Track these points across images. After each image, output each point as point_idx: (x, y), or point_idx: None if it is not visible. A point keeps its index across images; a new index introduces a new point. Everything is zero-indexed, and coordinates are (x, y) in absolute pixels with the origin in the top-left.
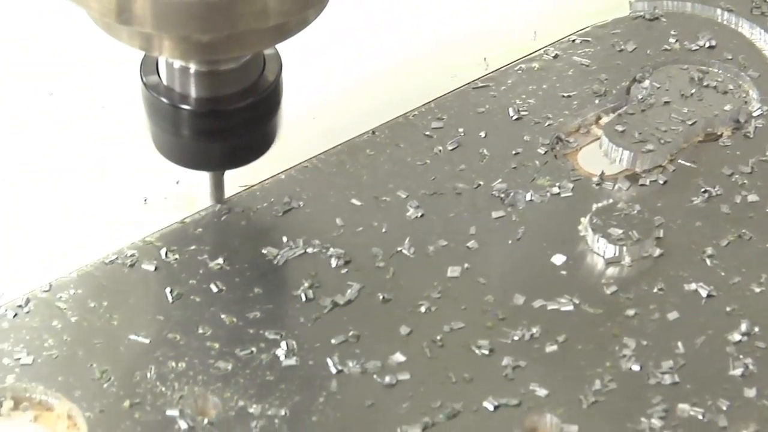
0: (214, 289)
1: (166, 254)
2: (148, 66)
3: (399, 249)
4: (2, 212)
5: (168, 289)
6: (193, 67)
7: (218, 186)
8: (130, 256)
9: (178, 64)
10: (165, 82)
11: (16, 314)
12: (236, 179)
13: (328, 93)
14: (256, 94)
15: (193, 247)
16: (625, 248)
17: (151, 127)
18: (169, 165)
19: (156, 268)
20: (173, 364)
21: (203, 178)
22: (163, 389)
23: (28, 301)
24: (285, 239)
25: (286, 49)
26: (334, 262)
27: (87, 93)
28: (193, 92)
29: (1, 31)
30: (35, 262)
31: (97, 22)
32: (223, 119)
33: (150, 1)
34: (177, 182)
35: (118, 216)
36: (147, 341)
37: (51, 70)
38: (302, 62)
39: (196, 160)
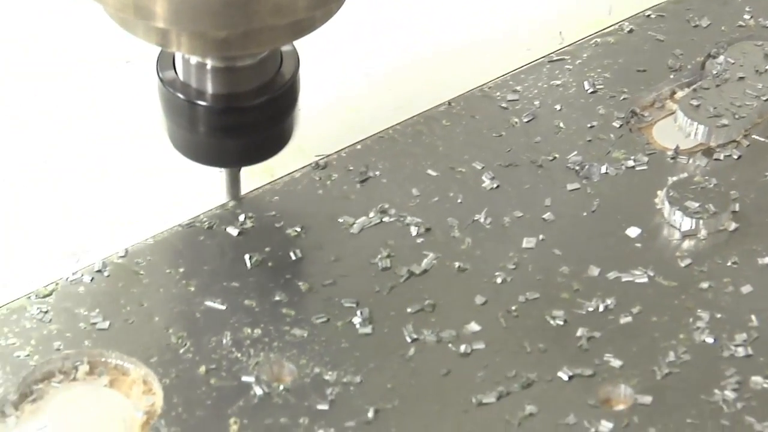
0: (293, 256)
1: (244, 221)
2: (165, 62)
3: (475, 219)
4: (2, 212)
5: (247, 256)
6: (209, 63)
7: (234, 182)
8: (207, 221)
9: (194, 59)
10: (181, 78)
11: (93, 279)
12: (313, 150)
13: (402, 63)
14: (273, 90)
15: (272, 213)
16: (701, 221)
17: (167, 123)
18: (170, 165)
19: (237, 233)
20: (249, 330)
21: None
22: (239, 355)
23: (105, 266)
24: (362, 208)
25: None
26: (410, 232)
27: (87, 93)
28: (209, 88)
29: (1, 31)
30: (35, 262)
31: (113, 17)
32: (240, 116)
33: None
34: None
35: (118, 216)
36: (223, 307)
37: (51, 70)
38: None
39: (212, 157)
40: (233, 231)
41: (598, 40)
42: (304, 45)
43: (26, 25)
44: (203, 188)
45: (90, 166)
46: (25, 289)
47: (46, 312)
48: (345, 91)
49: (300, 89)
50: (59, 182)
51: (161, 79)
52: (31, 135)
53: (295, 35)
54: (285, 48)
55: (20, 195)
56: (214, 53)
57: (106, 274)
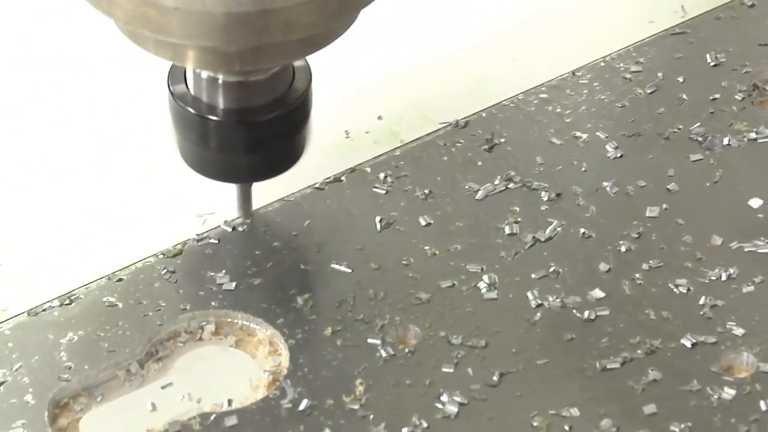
0: (422, 222)
1: (373, 186)
2: (176, 75)
3: (599, 188)
4: (2, 212)
5: (378, 218)
6: (221, 78)
7: (246, 198)
8: (335, 182)
9: (206, 74)
10: (192, 92)
11: (219, 240)
12: (438, 117)
13: (526, 33)
14: (285, 105)
15: (403, 174)
16: None
17: (177, 137)
18: (170, 165)
19: (366, 197)
20: (374, 293)
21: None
22: (364, 318)
23: (234, 228)
24: (487, 175)
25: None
26: (535, 199)
27: (87, 93)
28: (221, 103)
29: (1, 31)
30: (35, 262)
31: (122, 31)
32: (252, 131)
33: (174, 11)
34: (379, 117)
35: (118, 216)
36: (349, 270)
37: (51, 70)
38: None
39: (223, 173)
40: (356, 196)
41: (720, 14)
42: (416, 11)
43: (26, 25)
44: (203, 188)
45: (90, 166)
46: (24, 289)
47: (173, 272)
48: (470, 59)
49: (312, 104)
50: (59, 182)
51: (172, 93)
52: (31, 135)
53: (307, 50)
54: (297, 63)
55: (20, 195)
56: (225, 68)
57: (234, 234)
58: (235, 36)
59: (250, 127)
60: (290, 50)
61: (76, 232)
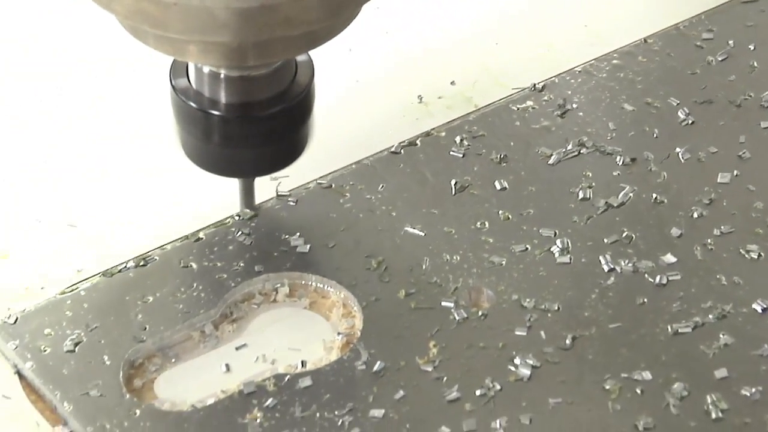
0: (497, 186)
1: (450, 149)
2: (178, 70)
3: (671, 154)
4: (2, 212)
5: (453, 182)
6: (223, 72)
7: (248, 192)
8: (410, 146)
9: (208, 68)
10: (194, 87)
11: (297, 201)
12: (510, 83)
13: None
14: (287, 100)
15: (480, 135)
16: None
17: (180, 132)
18: (170, 165)
19: (440, 161)
20: (448, 256)
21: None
22: (438, 281)
23: (306, 191)
24: (559, 140)
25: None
26: (608, 164)
27: (87, 93)
28: (223, 97)
29: (1, 31)
30: (35, 262)
31: (123, 25)
32: (254, 125)
33: (174, 6)
34: (452, 82)
35: (118, 216)
36: (422, 234)
37: (51, 70)
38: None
39: (226, 167)
40: (429, 159)
41: None
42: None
43: (26, 25)
44: (203, 188)
45: (90, 166)
46: (23, 289)
47: (248, 234)
48: (542, 25)
49: (315, 98)
50: (59, 182)
51: (174, 88)
52: (31, 135)
53: (308, 46)
54: (300, 57)
55: (20, 195)
56: (226, 63)
57: (306, 198)
58: (234, 31)
59: (252, 122)
60: (291, 45)
61: (76, 232)
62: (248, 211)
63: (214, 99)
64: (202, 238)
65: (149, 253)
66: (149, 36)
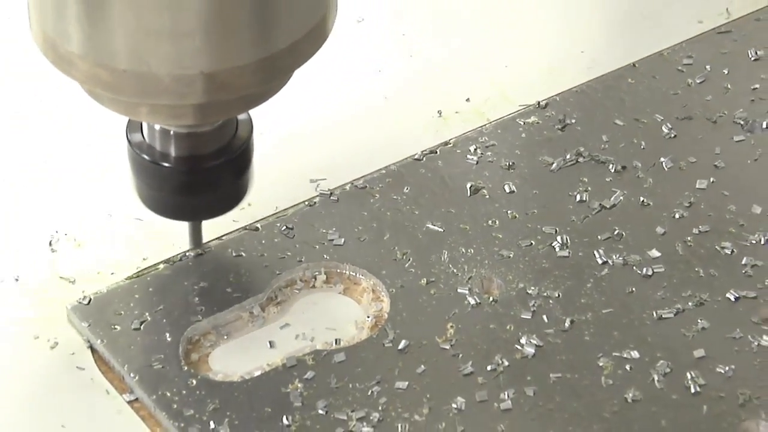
0: (507, 189)
1: (465, 157)
2: (133, 126)
3: (656, 163)
4: (2, 212)
5: (468, 185)
6: (172, 129)
7: (196, 234)
8: (431, 154)
9: (158, 126)
10: (147, 141)
11: (338, 198)
12: (517, 100)
13: (595, 28)
14: (230, 152)
15: (491, 145)
16: None
17: (135, 181)
18: None
19: (457, 166)
20: (463, 249)
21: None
22: (455, 270)
23: (342, 192)
24: (560, 150)
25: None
26: (601, 171)
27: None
28: (173, 151)
29: (1, 31)
30: (35, 262)
31: (82, 88)
32: (201, 175)
33: (124, 72)
34: (467, 99)
35: (117, 216)
36: (441, 230)
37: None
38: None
39: (176, 212)
40: (448, 166)
41: (760, 16)
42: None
43: (26, 25)
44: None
45: (90, 166)
46: (23, 290)
47: (291, 228)
48: (546, 51)
49: (254, 150)
50: (59, 182)
51: (129, 142)
52: (31, 135)
53: (246, 107)
54: (240, 116)
55: (20, 195)
56: (173, 123)
57: (339, 199)
58: (178, 95)
59: (199, 172)
60: (230, 107)
61: (77, 232)
62: (198, 250)
63: (165, 152)
64: (258, 228)
65: (206, 244)
66: (104, 98)
